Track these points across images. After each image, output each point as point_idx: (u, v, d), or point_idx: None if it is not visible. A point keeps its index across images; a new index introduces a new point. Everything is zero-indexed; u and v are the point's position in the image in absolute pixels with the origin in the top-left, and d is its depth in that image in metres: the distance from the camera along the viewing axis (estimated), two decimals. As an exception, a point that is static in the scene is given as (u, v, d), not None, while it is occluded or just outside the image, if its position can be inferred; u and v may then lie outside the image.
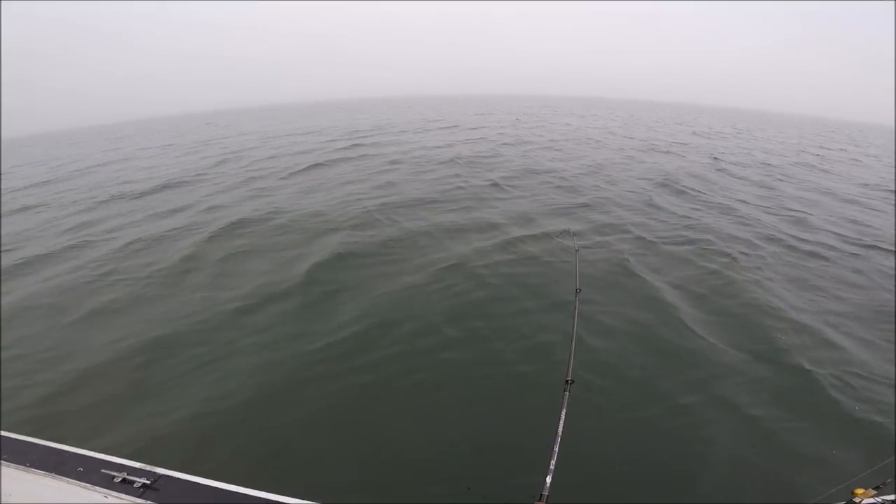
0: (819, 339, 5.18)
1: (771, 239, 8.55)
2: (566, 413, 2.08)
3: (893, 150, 32.32)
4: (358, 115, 50.47)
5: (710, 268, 6.97)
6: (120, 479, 1.98)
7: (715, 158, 18.39)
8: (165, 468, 2.05)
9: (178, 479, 2.03)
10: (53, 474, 2.04)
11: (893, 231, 9.65)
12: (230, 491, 2.01)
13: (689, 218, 9.61)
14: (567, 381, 2.32)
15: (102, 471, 2.03)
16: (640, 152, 19.48)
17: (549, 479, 1.72)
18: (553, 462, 1.78)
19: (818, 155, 23.89)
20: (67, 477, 2.02)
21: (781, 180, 14.90)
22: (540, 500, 1.67)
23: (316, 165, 16.25)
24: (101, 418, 4.11)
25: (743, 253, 7.69)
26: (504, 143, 20.95)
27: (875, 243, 8.69)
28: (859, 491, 1.84)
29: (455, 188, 11.84)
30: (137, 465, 2.08)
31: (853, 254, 8.06)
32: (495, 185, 12.14)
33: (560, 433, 1.94)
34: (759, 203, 11.53)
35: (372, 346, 4.91)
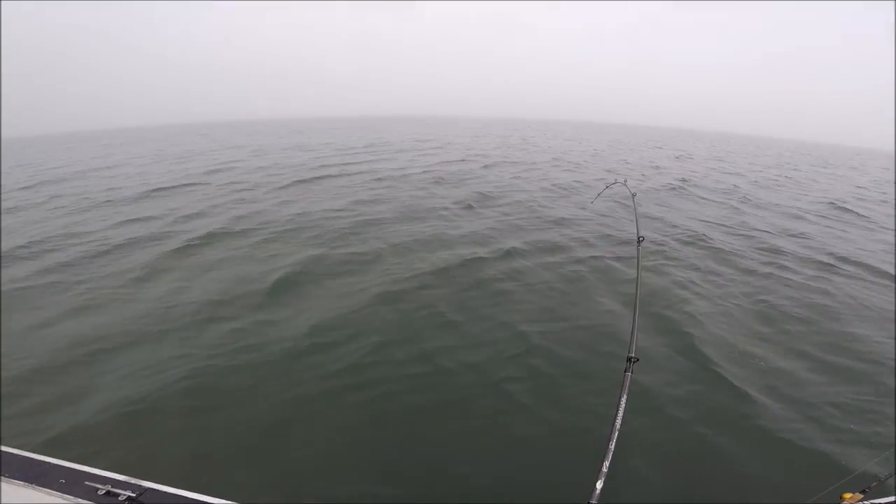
0: (746, 351, 5.50)
1: (719, 256, 9.02)
2: (626, 399, 1.71)
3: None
4: (353, 133, 51.45)
5: (659, 284, 7.38)
6: (104, 492, 1.90)
7: (683, 180, 19.16)
8: (152, 481, 1.99)
9: (164, 492, 1.96)
10: (34, 485, 1.95)
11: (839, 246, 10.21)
12: None
13: (641, 236, 10.13)
14: (630, 358, 1.93)
15: (86, 483, 1.94)
16: (614, 175, 20.23)
17: (599, 485, 1.41)
18: (607, 463, 1.47)
19: (788, 177, 24.88)
20: (49, 488, 1.93)
21: (744, 201, 15.58)
22: None
23: (302, 181, 16.67)
24: (45, 418, 4.22)
25: (686, 266, 8.20)
26: (486, 165, 21.60)
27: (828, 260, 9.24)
28: (847, 496, 1.83)
29: (428, 209, 12.24)
30: (122, 477, 2.00)
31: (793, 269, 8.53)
32: (469, 207, 12.60)
33: (618, 426, 1.60)
34: (711, 221, 12.15)
35: (323, 360, 5.08)
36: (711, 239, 10.18)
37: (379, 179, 16.99)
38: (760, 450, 3.92)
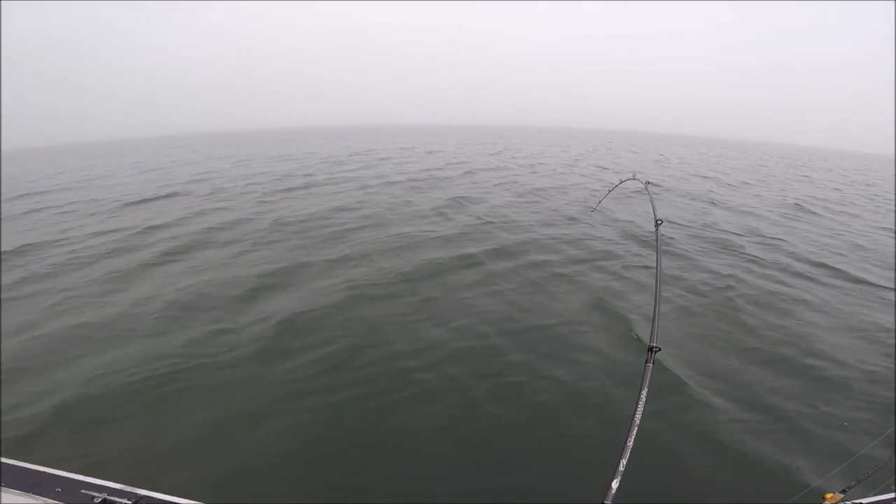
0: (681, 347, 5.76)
1: (679, 257, 9.38)
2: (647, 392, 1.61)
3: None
4: (339, 143, 51.76)
5: (617, 287, 7.64)
6: (100, 500, 1.93)
7: (647, 183, 19.76)
8: (147, 489, 2.01)
9: (159, 500, 1.98)
10: (31, 494, 1.98)
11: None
12: None
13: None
14: (651, 348, 1.83)
15: (82, 491, 1.98)
16: (591, 178, 20.93)
17: (615, 484, 1.33)
18: (624, 461, 1.38)
19: (761, 180, 25.69)
20: (46, 497, 1.96)
21: (713, 203, 16.17)
22: None
23: (286, 190, 17.01)
24: (13, 418, 4.38)
25: (646, 267, 8.60)
26: (467, 172, 22.12)
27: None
28: (828, 496, 1.86)
29: (404, 216, 12.55)
30: (118, 486, 2.02)
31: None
32: (442, 213, 12.93)
33: (638, 421, 1.50)
34: (679, 223, 12.59)
35: (291, 364, 5.23)
36: (679, 241, 10.62)
37: (362, 188, 17.35)
38: (713, 448, 4.03)
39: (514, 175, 21.73)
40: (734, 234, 11.75)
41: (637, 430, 1.47)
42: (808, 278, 8.62)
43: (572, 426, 4.31)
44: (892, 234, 13.00)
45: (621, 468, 1.36)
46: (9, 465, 2.16)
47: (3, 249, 9.97)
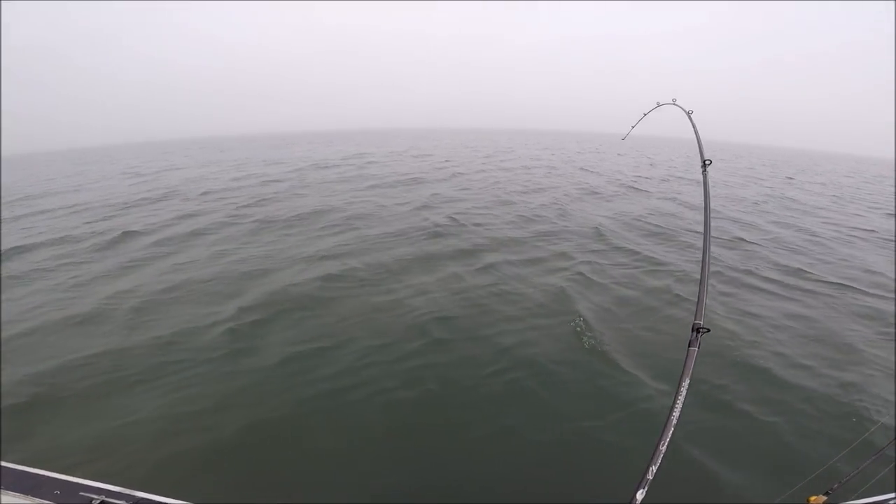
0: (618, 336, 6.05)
1: (648, 259, 9.64)
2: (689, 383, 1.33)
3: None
4: (330, 147, 52.12)
5: (557, 285, 7.88)
6: (98, 503, 1.96)
7: (631, 188, 20.35)
8: (146, 492, 2.02)
9: (157, 502, 2.01)
10: (29, 496, 1.99)
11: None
12: None
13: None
14: (698, 328, 1.48)
15: (80, 493, 2.00)
16: (569, 181, 21.46)
17: (640, 495, 1.15)
18: (654, 468, 1.18)
19: (741, 183, 26.05)
20: (44, 499, 1.97)
21: (686, 206, 16.50)
22: None
23: (274, 193, 17.46)
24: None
25: (615, 265, 9.00)
26: (455, 174, 22.70)
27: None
28: (812, 498, 1.85)
29: (385, 218, 12.96)
30: (116, 488, 2.03)
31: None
32: (418, 214, 13.32)
33: (675, 421, 1.25)
34: (660, 225, 12.86)
35: (246, 358, 5.50)
36: (638, 240, 11.02)
37: (348, 190, 17.80)
38: (676, 448, 4.06)
39: (495, 177, 22.22)
40: (699, 233, 12.03)
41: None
42: (773, 281, 8.67)
43: (510, 424, 4.44)
44: (866, 237, 13.22)
45: (650, 476, 1.17)
46: (8, 468, 2.17)
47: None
